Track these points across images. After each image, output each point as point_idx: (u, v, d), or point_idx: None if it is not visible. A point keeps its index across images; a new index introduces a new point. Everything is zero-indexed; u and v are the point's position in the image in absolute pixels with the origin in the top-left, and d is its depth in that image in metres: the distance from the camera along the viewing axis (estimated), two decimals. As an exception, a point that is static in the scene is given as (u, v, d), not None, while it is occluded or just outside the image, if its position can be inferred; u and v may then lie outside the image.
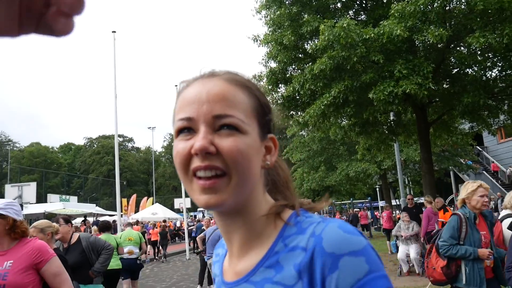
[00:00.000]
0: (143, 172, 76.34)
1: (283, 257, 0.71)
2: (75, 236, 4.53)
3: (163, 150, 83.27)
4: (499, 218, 3.67)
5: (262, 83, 11.63)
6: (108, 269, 6.33)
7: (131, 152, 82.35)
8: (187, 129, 0.72)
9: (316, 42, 9.75)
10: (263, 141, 0.76)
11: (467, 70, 10.59)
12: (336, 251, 0.64)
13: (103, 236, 6.96)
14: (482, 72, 10.36)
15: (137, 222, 19.15)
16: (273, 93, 11.74)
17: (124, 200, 35.22)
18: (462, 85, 10.10)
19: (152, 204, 33.03)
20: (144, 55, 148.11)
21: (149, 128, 63.11)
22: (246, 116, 0.72)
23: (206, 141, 0.68)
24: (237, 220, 0.76)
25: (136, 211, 34.71)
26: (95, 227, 10.99)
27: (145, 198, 40.47)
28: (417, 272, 9.21)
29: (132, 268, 8.02)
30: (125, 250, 7.90)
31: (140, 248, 8.35)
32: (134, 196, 37.75)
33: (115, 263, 6.84)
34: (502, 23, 8.30)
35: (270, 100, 11.92)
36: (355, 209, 26.93)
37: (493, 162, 25.52)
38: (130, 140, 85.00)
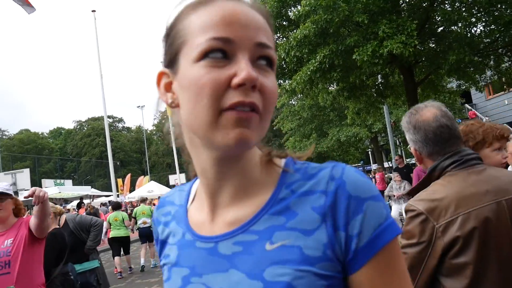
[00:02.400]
0: (136, 152, 76.21)
1: (294, 203, 0.65)
2: (62, 218, 4.61)
3: (154, 128, 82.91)
4: None
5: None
6: (120, 237, 9.20)
7: (122, 132, 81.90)
8: (221, 51, 0.58)
9: (299, 8, 9.66)
10: None
11: (452, 27, 10.57)
12: (361, 195, 0.62)
13: (114, 213, 9.54)
14: (467, 29, 10.34)
15: (145, 200, 20.58)
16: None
17: (119, 180, 35.40)
18: (448, 43, 10.10)
19: (148, 182, 33.22)
20: (127, 33, 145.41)
21: (138, 107, 62.81)
22: (274, 51, 0.63)
23: (255, 72, 0.58)
24: (235, 167, 0.67)
25: (132, 190, 34.91)
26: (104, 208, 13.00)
27: (141, 177, 40.63)
28: (410, 229, 9.42)
29: (147, 234, 10.08)
30: (140, 221, 10.17)
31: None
32: (128, 176, 37.86)
33: (123, 232, 9.30)
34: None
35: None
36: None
37: (470, 109, 25.55)
38: (120, 120, 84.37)
